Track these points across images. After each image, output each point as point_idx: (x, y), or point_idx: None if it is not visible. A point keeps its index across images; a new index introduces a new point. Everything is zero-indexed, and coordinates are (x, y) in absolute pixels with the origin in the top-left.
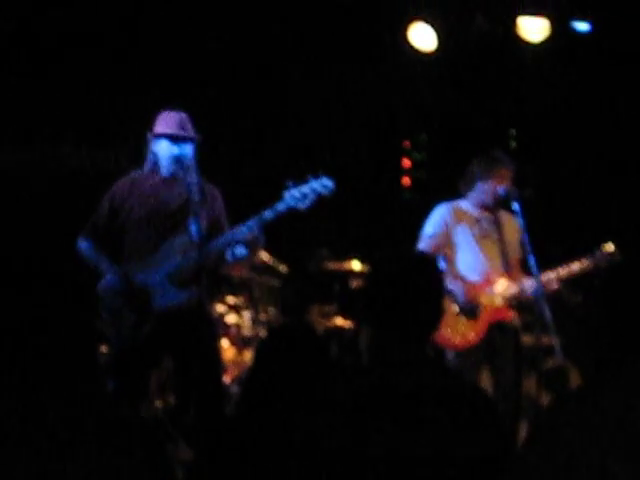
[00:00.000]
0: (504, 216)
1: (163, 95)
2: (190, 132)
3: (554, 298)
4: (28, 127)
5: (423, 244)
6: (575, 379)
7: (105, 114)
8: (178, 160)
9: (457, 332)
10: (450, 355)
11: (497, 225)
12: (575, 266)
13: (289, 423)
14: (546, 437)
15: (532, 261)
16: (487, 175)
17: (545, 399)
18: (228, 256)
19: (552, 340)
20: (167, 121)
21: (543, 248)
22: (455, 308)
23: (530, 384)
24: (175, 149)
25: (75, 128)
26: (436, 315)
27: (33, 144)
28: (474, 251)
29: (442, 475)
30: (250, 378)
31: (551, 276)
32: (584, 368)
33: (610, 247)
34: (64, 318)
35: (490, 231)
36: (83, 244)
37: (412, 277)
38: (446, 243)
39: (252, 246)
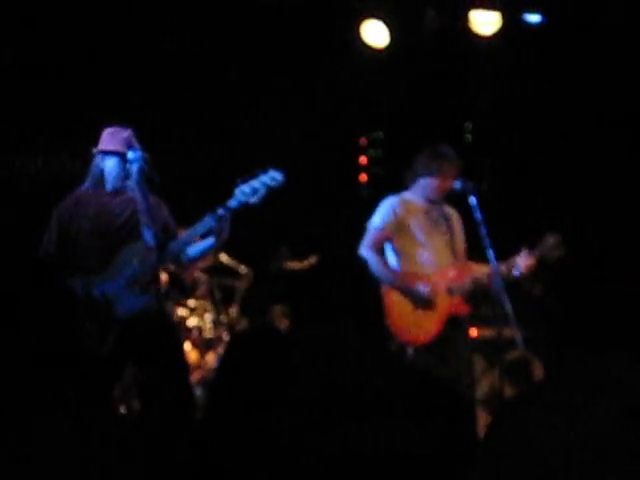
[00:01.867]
0: (448, 209)
1: (115, 97)
2: (138, 151)
3: (515, 290)
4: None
5: (370, 237)
6: (537, 370)
7: (57, 121)
8: (125, 177)
9: (416, 328)
10: (410, 351)
11: (444, 218)
12: (521, 259)
13: (258, 426)
14: (507, 431)
15: (491, 255)
16: (432, 171)
17: (508, 391)
18: (185, 257)
19: (513, 332)
20: (115, 138)
21: (499, 241)
22: (412, 304)
23: (493, 376)
24: (122, 166)
25: (28, 136)
26: None
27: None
28: (425, 243)
29: (406, 471)
30: (216, 385)
31: (501, 268)
32: (546, 359)
33: (550, 239)
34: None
35: (439, 223)
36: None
37: None
38: (395, 235)
39: (217, 237)
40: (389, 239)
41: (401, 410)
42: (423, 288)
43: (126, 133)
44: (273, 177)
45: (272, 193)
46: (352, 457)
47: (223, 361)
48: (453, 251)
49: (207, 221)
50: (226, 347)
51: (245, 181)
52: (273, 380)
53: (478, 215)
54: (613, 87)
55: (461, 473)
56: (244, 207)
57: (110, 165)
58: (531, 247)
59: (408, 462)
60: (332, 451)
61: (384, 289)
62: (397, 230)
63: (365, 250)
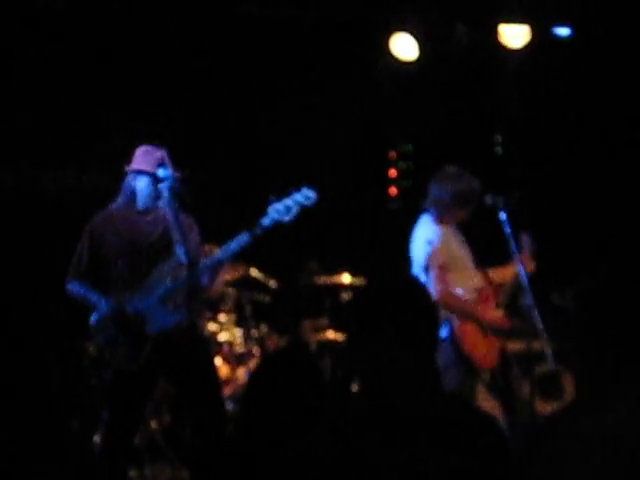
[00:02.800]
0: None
1: (148, 114)
2: (169, 170)
3: (545, 303)
4: (13, 150)
5: (440, 277)
6: (568, 384)
7: (90, 136)
8: (156, 197)
9: (489, 353)
10: (487, 376)
11: (462, 235)
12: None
13: (286, 449)
14: (540, 454)
15: (521, 270)
16: (461, 206)
17: (538, 405)
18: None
19: (543, 346)
20: (147, 158)
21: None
22: (482, 330)
23: (523, 390)
24: (153, 187)
25: (60, 151)
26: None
27: (19, 168)
28: (466, 268)
29: None
30: (245, 409)
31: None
32: (577, 373)
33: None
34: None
35: (465, 243)
36: (71, 286)
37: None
38: (448, 268)
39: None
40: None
41: (432, 437)
42: (502, 321)
43: (159, 153)
44: (306, 196)
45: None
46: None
47: (251, 381)
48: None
49: (240, 240)
50: (255, 367)
51: (278, 199)
52: (301, 404)
53: (508, 230)
54: None
55: None
56: (277, 225)
57: (141, 185)
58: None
59: None
60: (358, 473)
61: (460, 324)
62: (448, 262)
63: (440, 292)
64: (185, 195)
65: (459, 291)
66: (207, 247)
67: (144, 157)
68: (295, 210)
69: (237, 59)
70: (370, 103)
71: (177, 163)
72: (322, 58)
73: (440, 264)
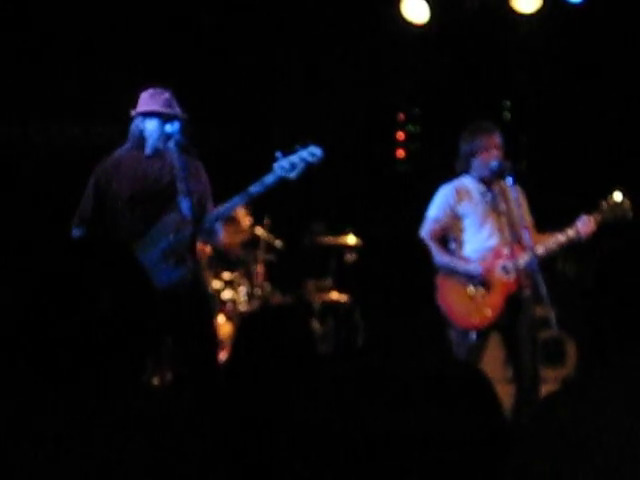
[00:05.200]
0: (506, 185)
1: (153, 69)
2: (178, 110)
3: (550, 269)
4: (21, 104)
5: (427, 227)
6: (571, 350)
7: (96, 89)
8: (167, 138)
9: (475, 312)
10: (473, 336)
11: (502, 196)
12: (581, 225)
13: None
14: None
15: (526, 235)
16: (476, 149)
17: (541, 371)
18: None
19: (547, 311)
20: (155, 99)
21: (537, 220)
22: (468, 289)
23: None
24: (164, 127)
25: (67, 104)
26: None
27: (26, 121)
28: (482, 227)
29: (434, 458)
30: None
31: (569, 233)
32: (581, 339)
33: (618, 197)
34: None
35: (496, 203)
36: (76, 233)
37: None
38: (452, 224)
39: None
40: (447, 228)
41: (425, 397)
42: (475, 267)
43: (166, 94)
44: (312, 153)
45: (310, 168)
46: (366, 442)
47: (235, 342)
48: (514, 229)
49: (243, 197)
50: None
51: (284, 156)
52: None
53: (514, 195)
54: None
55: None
56: (282, 182)
57: (151, 127)
58: (592, 210)
59: (430, 449)
60: (349, 435)
61: (439, 278)
62: (453, 220)
63: (423, 235)
64: (190, 144)
65: (469, 247)
66: None
67: (152, 99)
68: (301, 167)
69: (248, 15)
70: (380, 65)
71: (187, 101)
72: (333, 20)
73: (436, 218)
